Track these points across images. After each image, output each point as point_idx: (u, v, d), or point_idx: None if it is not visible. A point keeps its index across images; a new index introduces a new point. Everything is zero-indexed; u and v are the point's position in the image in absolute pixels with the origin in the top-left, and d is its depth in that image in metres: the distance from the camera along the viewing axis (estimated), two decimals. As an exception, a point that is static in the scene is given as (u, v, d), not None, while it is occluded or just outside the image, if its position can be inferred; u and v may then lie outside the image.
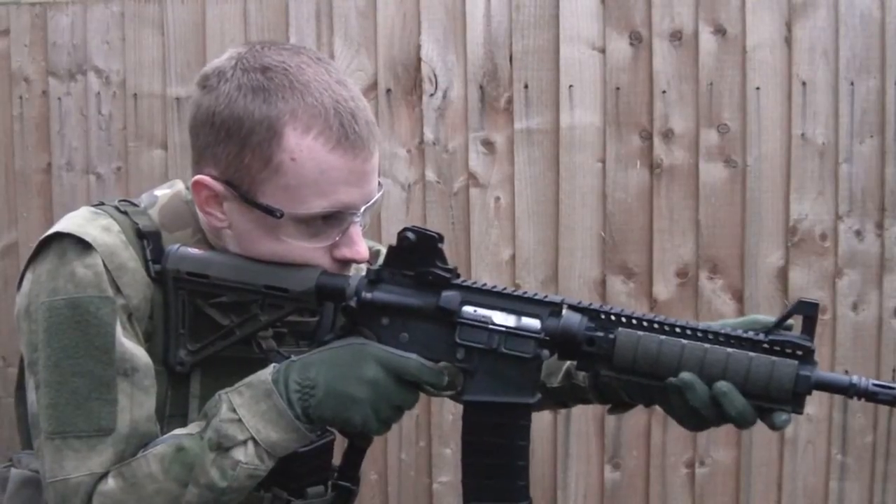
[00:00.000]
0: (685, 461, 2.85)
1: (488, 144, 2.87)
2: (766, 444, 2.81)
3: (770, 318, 1.14)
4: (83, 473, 1.14)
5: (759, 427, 1.13)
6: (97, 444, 1.14)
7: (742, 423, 1.10)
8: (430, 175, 2.90)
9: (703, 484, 2.84)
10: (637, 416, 2.81)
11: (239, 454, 1.12)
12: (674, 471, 2.85)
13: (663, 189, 2.80)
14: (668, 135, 2.79)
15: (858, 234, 2.75)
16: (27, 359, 1.19)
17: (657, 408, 1.18)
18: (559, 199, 2.84)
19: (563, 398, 1.41)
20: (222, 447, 1.12)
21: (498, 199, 2.87)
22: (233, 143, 1.17)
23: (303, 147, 1.15)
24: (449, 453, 2.93)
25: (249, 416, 1.13)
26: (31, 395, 1.19)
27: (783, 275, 2.77)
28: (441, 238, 1.17)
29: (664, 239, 2.80)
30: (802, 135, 2.74)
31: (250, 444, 1.12)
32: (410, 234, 1.16)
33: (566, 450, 2.88)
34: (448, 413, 2.91)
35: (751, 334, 1.10)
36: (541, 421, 2.79)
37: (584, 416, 2.86)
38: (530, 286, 2.78)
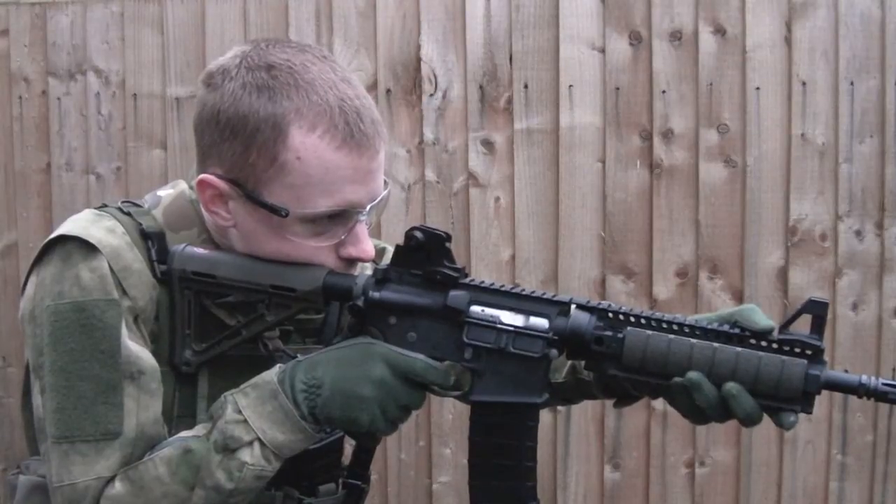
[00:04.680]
0: (685, 461, 2.84)
1: (488, 144, 2.87)
2: (766, 444, 2.81)
3: (754, 311, 1.13)
4: (90, 477, 1.13)
5: (759, 427, 1.13)
6: (104, 448, 1.14)
7: (749, 423, 1.10)
8: (430, 175, 2.89)
9: (703, 484, 2.84)
10: (637, 416, 2.81)
11: (245, 455, 1.12)
12: (674, 471, 2.85)
13: (663, 189, 2.80)
14: (668, 135, 2.79)
15: (858, 234, 2.75)
16: (32, 363, 1.19)
17: (657, 408, 1.18)
18: (559, 199, 2.84)
19: (567, 394, 1.41)
20: (228, 448, 1.12)
21: (498, 199, 2.87)
22: (238, 142, 1.16)
23: (308, 146, 1.14)
24: (449, 453, 2.93)
25: (255, 417, 1.12)
26: (37, 399, 1.18)
27: (783, 275, 2.77)
28: (449, 237, 1.16)
29: (664, 239, 2.80)
30: (802, 135, 2.74)
31: (256, 445, 1.12)
32: (418, 234, 1.16)
33: (566, 450, 2.88)
34: (448, 413, 2.91)
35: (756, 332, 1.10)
36: (541, 421, 2.78)
37: (584, 416, 2.86)
38: (530, 286, 2.76)
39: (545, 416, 2.84)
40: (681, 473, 2.85)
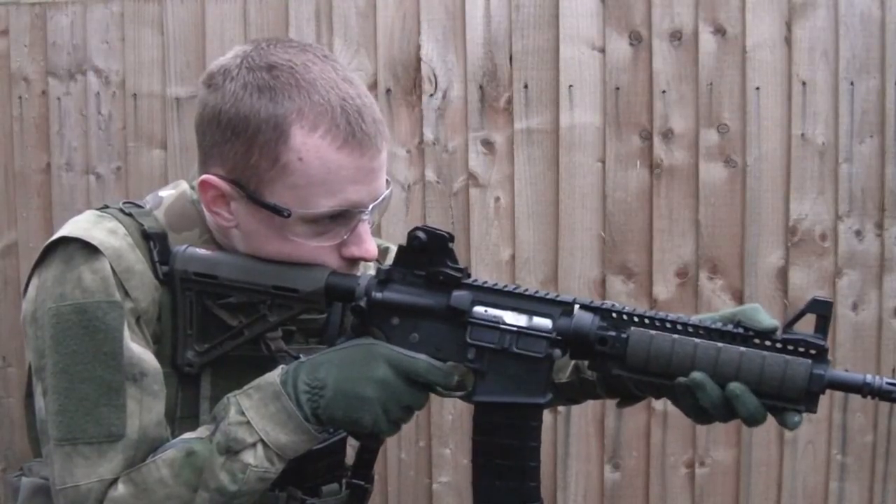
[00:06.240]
0: (685, 461, 2.84)
1: (488, 144, 2.87)
2: (766, 444, 2.81)
3: (758, 310, 1.13)
4: (93, 480, 1.13)
5: (760, 427, 1.13)
6: (107, 451, 1.14)
7: (752, 423, 1.10)
8: (430, 175, 2.89)
9: (703, 484, 2.84)
10: (637, 416, 2.81)
11: (248, 457, 1.11)
12: (674, 471, 2.85)
13: (663, 189, 2.80)
14: (667, 135, 2.79)
15: (858, 234, 2.75)
16: (34, 365, 1.19)
17: (658, 408, 1.18)
18: (559, 199, 2.84)
19: (571, 394, 1.41)
20: (231, 450, 1.11)
21: (498, 199, 2.87)
22: (239, 143, 1.16)
23: (310, 146, 1.14)
24: (449, 453, 2.93)
25: (258, 419, 1.12)
26: (39, 401, 1.18)
27: (783, 275, 2.77)
28: (452, 238, 1.16)
29: (664, 239, 2.80)
30: (802, 135, 2.74)
31: (259, 447, 1.12)
32: (421, 234, 1.15)
33: (566, 450, 2.88)
34: (448, 413, 2.91)
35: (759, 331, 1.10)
36: (541, 421, 2.79)
37: (584, 416, 2.86)
38: (530, 286, 2.76)
39: (545, 416, 2.81)
40: (681, 473, 2.85)
